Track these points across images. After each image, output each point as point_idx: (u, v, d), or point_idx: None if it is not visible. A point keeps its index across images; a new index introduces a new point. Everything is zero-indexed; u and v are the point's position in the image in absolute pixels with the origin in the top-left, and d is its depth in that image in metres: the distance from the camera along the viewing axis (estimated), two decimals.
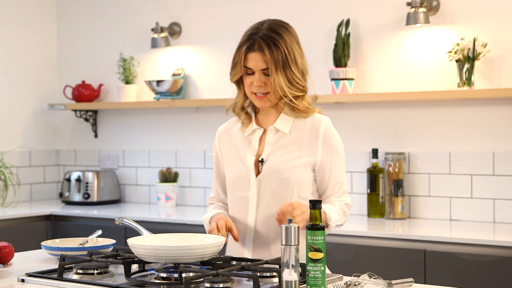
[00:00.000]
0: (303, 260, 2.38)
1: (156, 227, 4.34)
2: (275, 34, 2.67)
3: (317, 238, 2.22)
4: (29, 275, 2.53)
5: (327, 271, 2.59)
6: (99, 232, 3.08)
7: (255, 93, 2.71)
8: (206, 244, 2.44)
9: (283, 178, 2.69)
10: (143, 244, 2.47)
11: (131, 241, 2.48)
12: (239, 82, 2.79)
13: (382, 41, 4.54)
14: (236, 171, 2.78)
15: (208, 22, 5.22)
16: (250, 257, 2.74)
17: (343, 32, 4.55)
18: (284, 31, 2.70)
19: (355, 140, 4.64)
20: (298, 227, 2.21)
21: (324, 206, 2.66)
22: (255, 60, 2.67)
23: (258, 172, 2.74)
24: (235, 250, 2.80)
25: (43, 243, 2.96)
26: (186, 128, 5.35)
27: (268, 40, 2.65)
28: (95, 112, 5.77)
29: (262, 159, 2.74)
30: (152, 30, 5.32)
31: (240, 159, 2.78)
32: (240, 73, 2.72)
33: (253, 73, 2.70)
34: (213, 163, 2.95)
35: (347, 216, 2.76)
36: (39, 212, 5.12)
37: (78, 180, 5.46)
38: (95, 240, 3.04)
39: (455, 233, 3.94)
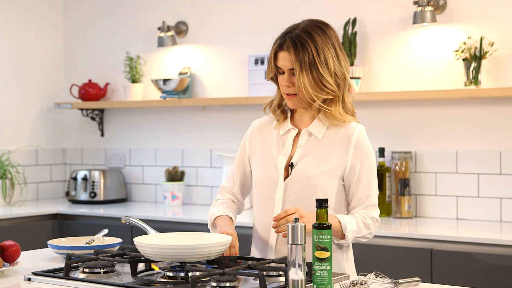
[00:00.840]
0: (309, 259, 2.38)
1: (162, 226, 4.34)
2: (305, 35, 2.61)
3: (323, 237, 2.21)
4: (36, 274, 2.54)
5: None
6: (106, 231, 3.08)
7: (286, 93, 2.67)
8: (213, 243, 2.44)
9: (310, 184, 2.64)
10: (150, 243, 2.47)
11: (138, 240, 2.48)
12: (274, 80, 2.75)
13: (388, 40, 4.53)
14: (265, 171, 2.73)
15: (214, 21, 5.22)
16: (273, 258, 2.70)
17: (349, 31, 4.54)
18: (318, 31, 2.62)
19: None
20: (305, 226, 2.21)
21: (341, 216, 2.60)
22: (283, 60, 2.63)
23: (287, 175, 2.70)
24: (259, 251, 2.77)
25: (49, 242, 2.96)
26: (193, 127, 5.35)
27: (296, 39, 2.61)
28: (101, 111, 5.77)
29: (292, 163, 2.69)
30: (159, 29, 5.32)
31: (272, 160, 2.74)
32: (272, 72, 2.69)
33: (283, 72, 2.66)
34: (237, 154, 2.88)
35: (372, 230, 2.69)
36: (46, 211, 5.12)
37: (85, 179, 5.46)
38: (101, 239, 3.04)
39: (462, 232, 3.93)
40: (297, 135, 2.74)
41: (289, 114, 2.77)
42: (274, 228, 2.51)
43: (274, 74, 2.70)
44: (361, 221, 2.65)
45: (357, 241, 2.68)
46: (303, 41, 2.60)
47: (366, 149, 2.67)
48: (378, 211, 2.73)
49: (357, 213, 2.67)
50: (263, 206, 2.74)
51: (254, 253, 2.80)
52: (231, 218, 2.78)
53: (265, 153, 2.76)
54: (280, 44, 2.64)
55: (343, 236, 2.61)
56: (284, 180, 2.68)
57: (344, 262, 2.73)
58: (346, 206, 2.73)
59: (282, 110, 2.77)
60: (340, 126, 2.69)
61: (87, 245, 2.95)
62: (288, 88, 2.65)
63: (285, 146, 2.73)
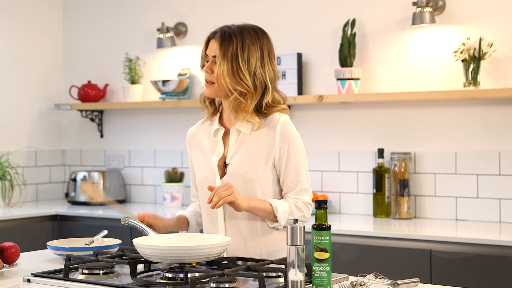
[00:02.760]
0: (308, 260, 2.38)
1: None
2: (236, 30, 2.76)
3: (322, 238, 2.22)
4: (35, 275, 2.54)
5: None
6: (105, 232, 3.08)
7: (205, 80, 2.79)
8: (212, 244, 2.45)
9: (246, 180, 2.74)
10: (149, 244, 2.48)
11: (137, 241, 2.48)
12: None
13: (388, 41, 4.53)
14: (203, 172, 2.84)
15: (214, 22, 5.17)
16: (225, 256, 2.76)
17: (349, 32, 4.54)
18: (250, 32, 2.77)
19: (360, 140, 4.64)
20: (304, 227, 2.22)
21: (272, 200, 2.70)
22: (211, 47, 2.79)
23: (223, 174, 2.79)
24: None
25: (48, 243, 2.97)
26: None
27: (227, 31, 2.76)
28: (101, 112, 5.78)
29: (225, 162, 2.79)
30: (158, 30, 5.33)
31: (207, 160, 2.84)
32: (203, 60, 2.83)
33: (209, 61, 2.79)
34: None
35: (304, 213, 2.75)
36: (45, 212, 5.13)
37: (84, 180, 5.46)
38: (100, 240, 3.05)
39: (461, 233, 3.93)
40: (227, 134, 2.84)
41: (217, 116, 2.88)
42: (209, 203, 2.61)
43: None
44: (293, 204, 2.73)
45: (290, 223, 2.70)
46: (232, 34, 2.74)
47: (291, 136, 2.76)
48: (311, 196, 2.79)
49: (289, 198, 2.75)
50: (206, 206, 2.80)
51: None
52: (184, 216, 2.94)
53: (202, 157, 2.88)
54: (214, 32, 2.80)
55: (275, 218, 2.70)
56: (221, 178, 2.78)
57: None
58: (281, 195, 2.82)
59: (211, 101, 2.89)
60: (265, 119, 2.78)
61: (86, 246, 2.95)
62: (207, 75, 2.77)
63: (217, 146, 2.83)
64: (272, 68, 2.79)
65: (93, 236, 3.07)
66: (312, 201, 2.76)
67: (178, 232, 2.93)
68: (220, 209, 2.79)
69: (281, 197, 2.80)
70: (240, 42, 2.73)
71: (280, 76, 2.92)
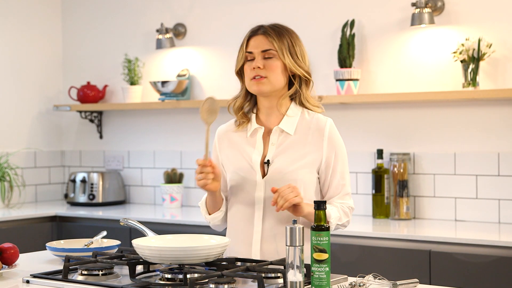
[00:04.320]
0: (307, 260, 2.38)
1: (161, 228, 4.35)
2: (280, 26, 2.78)
3: (321, 239, 2.22)
4: (34, 276, 2.54)
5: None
6: (104, 233, 3.08)
7: (254, 78, 2.73)
8: (211, 245, 2.45)
9: (290, 180, 2.68)
10: (148, 245, 2.47)
11: (136, 242, 2.48)
12: (242, 76, 2.83)
13: (387, 42, 4.54)
14: (241, 172, 2.77)
15: (213, 23, 5.22)
16: (257, 254, 2.73)
17: (348, 33, 4.55)
18: (288, 29, 2.80)
19: (360, 141, 4.64)
20: (303, 228, 2.22)
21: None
22: (257, 42, 2.75)
23: (264, 174, 2.74)
24: (242, 251, 2.78)
25: (48, 244, 2.97)
26: (191, 129, 5.35)
27: (274, 27, 2.77)
28: (100, 113, 5.78)
29: (268, 160, 2.74)
30: (157, 31, 5.33)
31: (245, 160, 2.78)
32: (242, 60, 2.78)
33: (253, 59, 2.75)
34: None
35: (350, 218, 2.79)
36: (44, 213, 5.13)
37: (83, 181, 5.46)
38: (100, 241, 3.05)
39: (460, 233, 3.93)
40: (266, 133, 2.80)
41: (253, 116, 2.83)
42: (273, 205, 2.58)
43: (240, 69, 2.81)
44: (341, 210, 2.74)
45: (337, 228, 2.76)
46: (281, 29, 2.77)
47: (338, 141, 2.78)
48: (352, 200, 2.83)
49: (335, 202, 2.75)
50: (242, 206, 2.77)
51: (236, 254, 2.79)
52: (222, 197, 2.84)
53: (236, 155, 2.81)
54: (255, 31, 2.77)
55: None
56: (263, 178, 2.73)
57: None
58: (320, 198, 2.80)
59: (243, 113, 2.84)
60: (310, 120, 2.78)
61: (85, 247, 2.95)
62: (259, 70, 2.72)
63: (256, 145, 2.78)
64: (307, 63, 2.82)
65: (92, 237, 3.07)
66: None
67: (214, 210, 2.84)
68: (260, 210, 2.73)
69: (321, 198, 2.79)
70: (289, 37, 2.76)
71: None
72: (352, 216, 2.81)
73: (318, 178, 2.77)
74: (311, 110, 2.82)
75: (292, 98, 2.82)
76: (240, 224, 2.78)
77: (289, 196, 2.55)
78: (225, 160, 2.85)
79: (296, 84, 2.78)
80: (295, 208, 2.60)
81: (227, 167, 2.84)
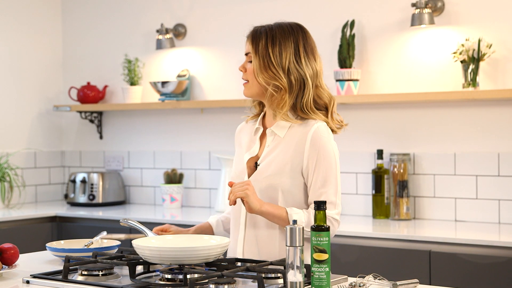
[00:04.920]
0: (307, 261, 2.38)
1: None
2: (267, 26, 2.75)
3: (321, 239, 2.22)
4: (34, 276, 2.54)
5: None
6: (104, 233, 3.08)
7: (242, 79, 2.81)
8: (211, 245, 2.45)
9: (270, 183, 2.68)
10: (148, 245, 2.48)
11: (136, 242, 2.48)
12: None
13: (387, 42, 4.54)
14: (236, 170, 2.84)
15: (213, 23, 5.22)
16: (241, 254, 2.75)
17: (348, 33, 4.55)
18: (283, 27, 2.74)
19: (360, 141, 4.64)
20: (303, 228, 2.22)
21: (290, 208, 2.63)
22: (246, 46, 2.79)
23: (252, 174, 2.76)
24: (230, 251, 2.83)
25: (48, 244, 2.97)
26: (191, 129, 5.35)
27: (257, 29, 2.76)
28: (100, 113, 5.78)
29: (256, 162, 2.77)
30: (157, 31, 5.33)
31: (241, 158, 2.83)
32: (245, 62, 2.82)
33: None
34: None
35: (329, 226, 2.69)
36: (44, 213, 5.13)
37: (83, 181, 5.46)
38: (100, 241, 3.04)
39: (460, 234, 3.93)
40: (265, 134, 2.81)
41: (261, 116, 2.85)
42: (228, 199, 2.60)
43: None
44: (312, 216, 2.61)
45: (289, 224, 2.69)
46: (263, 31, 2.73)
47: (322, 145, 2.66)
48: (337, 210, 2.67)
49: (311, 209, 2.66)
50: (232, 209, 2.81)
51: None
52: (209, 223, 2.95)
53: (239, 154, 2.86)
54: (247, 35, 2.79)
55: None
56: (249, 177, 2.75)
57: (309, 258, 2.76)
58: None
59: (259, 102, 2.86)
60: (301, 124, 2.71)
61: (85, 247, 2.95)
62: (243, 74, 2.78)
63: (254, 145, 2.81)
64: (311, 64, 2.73)
65: (92, 238, 3.07)
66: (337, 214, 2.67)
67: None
68: (243, 215, 2.74)
69: (308, 207, 2.72)
70: (270, 37, 2.70)
71: (323, 73, 2.83)
72: (333, 227, 2.65)
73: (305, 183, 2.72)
74: (312, 119, 2.72)
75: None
76: (232, 223, 2.83)
77: (235, 191, 2.57)
78: (234, 158, 2.92)
79: (270, 91, 2.71)
80: (244, 204, 2.59)
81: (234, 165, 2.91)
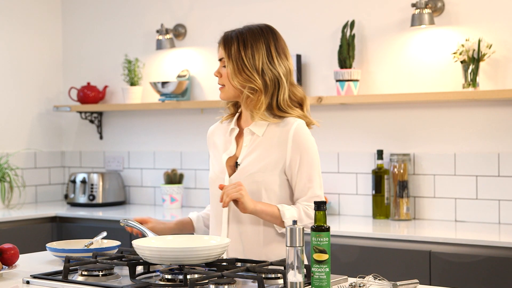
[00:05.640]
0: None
1: None
2: (238, 31, 2.81)
3: (322, 239, 2.22)
4: (34, 276, 2.54)
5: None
6: (104, 233, 3.08)
7: (218, 84, 2.86)
8: (211, 246, 2.45)
9: (253, 181, 2.74)
10: (148, 245, 2.48)
11: (136, 243, 2.48)
12: None
13: (387, 42, 4.54)
14: (214, 170, 2.88)
15: (213, 23, 5.22)
16: (225, 257, 2.77)
17: (348, 33, 4.55)
18: (253, 30, 2.80)
19: (360, 141, 4.64)
20: (303, 228, 2.22)
21: (281, 205, 2.70)
22: (219, 51, 2.84)
23: (232, 173, 2.81)
24: None
25: (48, 244, 2.97)
26: (191, 130, 5.35)
27: (228, 34, 2.81)
28: (100, 113, 5.78)
29: (236, 162, 2.81)
30: (157, 31, 5.33)
31: (219, 159, 2.87)
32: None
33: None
34: None
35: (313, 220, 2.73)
36: (44, 213, 5.12)
37: (83, 181, 5.46)
38: (100, 241, 3.05)
39: (460, 234, 3.93)
40: (241, 135, 2.86)
41: (235, 117, 2.91)
42: (220, 202, 2.65)
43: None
44: (302, 211, 2.71)
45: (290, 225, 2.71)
46: (233, 35, 2.79)
47: (304, 143, 2.75)
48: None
49: (300, 204, 2.74)
50: (214, 205, 2.85)
51: None
52: (190, 218, 3.00)
53: (216, 155, 2.91)
54: (219, 40, 2.85)
55: (283, 224, 2.70)
56: (230, 178, 2.80)
57: None
58: (292, 200, 2.81)
59: (234, 103, 2.93)
60: (279, 122, 2.78)
61: (85, 247, 2.95)
62: (219, 79, 2.83)
63: (230, 145, 2.86)
64: (284, 63, 2.79)
65: (92, 238, 3.07)
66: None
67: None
68: (225, 211, 2.79)
69: (292, 203, 2.79)
70: (241, 41, 2.76)
71: (294, 71, 2.89)
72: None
73: (287, 179, 2.78)
74: (288, 116, 2.79)
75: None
76: (213, 222, 2.87)
77: (229, 192, 2.61)
78: (210, 159, 2.96)
79: (245, 93, 2.77)
80: (238, 204, 2.64)
81: (210, 166, 2.95)
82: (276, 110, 2.78)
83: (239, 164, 2.80)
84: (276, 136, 2.76)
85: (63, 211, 5.23)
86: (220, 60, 2.83)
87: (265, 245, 2.75)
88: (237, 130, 2.87)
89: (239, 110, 2.91)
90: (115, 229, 4.36)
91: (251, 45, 2.76)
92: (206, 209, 3.04)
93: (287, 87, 2.78)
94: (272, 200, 2.73)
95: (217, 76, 2.83)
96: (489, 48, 4.14)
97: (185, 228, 2.97)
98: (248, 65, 2.74)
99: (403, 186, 4.40)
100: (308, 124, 2.81)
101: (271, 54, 2.77)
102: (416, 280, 2.42)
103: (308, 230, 2.71)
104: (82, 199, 5.45)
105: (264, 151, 2.76)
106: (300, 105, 2.83)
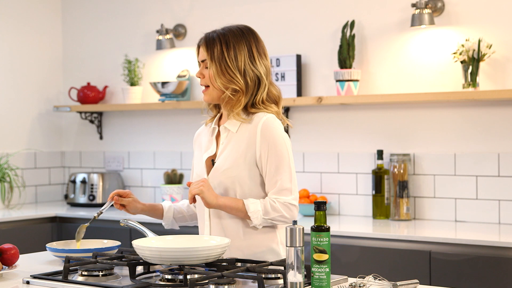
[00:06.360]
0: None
1: (161, 229, 4.33)
2: (219, 32, 2.84)
3: (322, 239, 2.22)
4: (34, 277, 2.54)
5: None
6: (112, 202, 3.02)
7: (201, 85, 2.88)
8: (211, 246, 2.45)
9: (228, 177, 2.78)
10: (148, 245, 2.48)
11: (136, 243, 2.49)
12: None
13: (387, 43, 4.54)
14: (196, 170, 2.93)
15: (213, 23, 5.20)
16: None
17: (348, 34, 4.55)
18: (234, 31, 2.84)
19: (360, 142, 4.64)
20: (303, 228, 2.22)
21: (247, 199, 2.74)
22: (200, 53, 2.87)
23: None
24: None
25: (48, 245, 2.97)
26: (191, 130, 5.32)
27: (209, 36, 2.84)
28: (100, 114, 5.78)
29: (213, 160, 2.86)
30: (157, 31, 5.33)
31: (200, 158, 2.92)
32: (199, 67, 2.90)
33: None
34: None
35: (283, 213, 2.73)
36: (44, 214, 5.12)
37: (83, 182, 5.46)
38: (100, 242, 3.05)
39: (460, 234, 3.93)
40: (219, 134, 2.91)
41: (218, 115, 2.95)
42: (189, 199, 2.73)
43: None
44: (268, 204, 2.73)
45: (270, 223, 2.76)
46: (215, 37, 2.82)
47: (272, 135, 2.77)
48: (294, 196, 2.76)
49: (268, 197, 2.76)
50: (199, 203, 2.90)
51: None
52: (161, 206, 3.04)
53: (198, 156, 2.97)
54: (199, 42, 2.87)
55: (248, 217, 2.74)
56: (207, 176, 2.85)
57: (273, 244, 2.82)
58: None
59: (216, 104, 2.96)
60: (251, 118, 2.82)
61: (96, 216, 2.95)
62: (201, 80, 2.86)
63: (211, 145, 2.91)
64: (264, 63, 2.84)
65: (92, 238, 3.07)
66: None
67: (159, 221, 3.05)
68: (207, 209, 2.84)
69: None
70: (224, 42, 2.80)
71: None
72: (289, 213, 2.74)
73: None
74: (263, 111, 2.83)
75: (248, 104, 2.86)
76: (199, 219, 2.92)
77: (191, 189, 2.69)
78: (193, 160, 3.02)
79: (226, 94, 2.80)
80: (202, 200, 2.72)
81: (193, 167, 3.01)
82: (250, 108, 2.83)
83: (215, 162, 2.85)
84: (247, 131, 2.79)
85: (63, 211, 5.23)
86: (202, 61, 2.85)
87: (245, 238, 2.79)
88: (217, 129, 2.92)
89: (220, 111, 2.95)
90: (115, 229, 4.37)
91: (233, 46, 2.80)
92: (180, 203, 3.09)
93: (267, 86, 2.83)
94: (246, 195, 2.77)
95: (199, 77, 2.86)
96: (489, 48, 4.14)
97: (155, 213, 3.02)
98: (231, 66, 2.78)
99: (403, 186, 4.40)
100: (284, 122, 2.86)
101: (253, 54, 2.82)
102: (416, 280, 2.42)
103: (276, 223, 2.75)
104: (82, 199, 5.45)
105: (237, 147, 2.79)
106: (276, 103, 2.87)
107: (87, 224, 3.00)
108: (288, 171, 2.76)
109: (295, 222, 2.24)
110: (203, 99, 2.89)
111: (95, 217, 2.95)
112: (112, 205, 2.95)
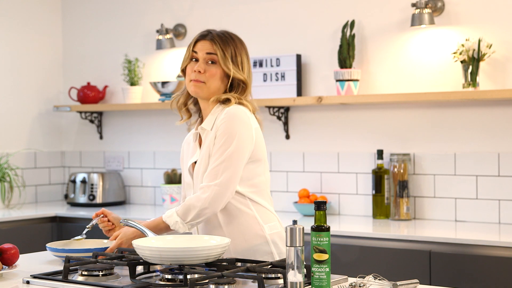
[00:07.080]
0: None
1: None
2: (228, 34, 2.85)
3: (322, 239, 2.22)
4: (34, 276, 2.54)
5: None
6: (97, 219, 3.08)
7: (193, 80, 2.82)
8: (211, 246, 2.45)
9: (203, 175, 2.80)
10: (148, 245, 2.48)
11: (136, 243, 2.49)
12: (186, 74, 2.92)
13: (387, 42, 4.54)
14: (184, 177, 2.94)
15: (213, 23, 5.22)
16: None
17: (348, 33, 4.55)
18: (234, 38, 2.86)
19: (360, 141, 4.64)
20: (303, 228, 2.22)
21: (164, 215, 2.78)
22: (203, 45, 2.83)
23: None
24: None
25: (48, 244, 2.97)
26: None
27: (222, 34, 2.84)
28: (100, 113, 5.78)
29: (195, 161, 2.87)
30: (157, 31, 5.33)
31: (185, 165, 2.94)
32: (188, 60, 2.86)
33: (197, 60, 2.83)
34: None
35: (199, 205, 2.72)
36: (44, 213, 5.13)
37: (83, 181, 5.46)
38: (100, 242, 3.05)
39: (460, 234, 3.93)
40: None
41: (198, 120, 2.94)
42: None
43: (185, 68, 2.88)
44: (182, 209, 2.73)
45: (201, 222, 2.77)
46: (228, 37, 2.83)
47: (223, 125, 2.75)
48: (218, 180, 2.71)
49: (187, 198, 2.78)
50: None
51: None
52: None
53: (184, 161, 2.97)
54: (203, 35, 2.85)
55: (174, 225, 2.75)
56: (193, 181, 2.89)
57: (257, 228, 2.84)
58: (248, 186, 2.84)
59: (186, 109, 2.95)
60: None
61: (85, 233, 2.98)
62: (199, 75, 2.80)
63: (196, 150, 2.90)
64: (250, 69, 2.89)
65: (92, 238, 3.08)
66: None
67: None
68: None
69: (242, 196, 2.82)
70: (234, 46, 2.82)
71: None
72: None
73: None
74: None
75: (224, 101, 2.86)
76: None
77: (111, 248, 2.80)
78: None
79: (229, 89, 2.85)
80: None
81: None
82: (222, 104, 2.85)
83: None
84: (216, 126, 2.80)
85: (63, 211, 5.23)
86: (208, 54, 2.81)
87: (227, 231, 2.80)
88: (197, 133, 2.92)
89: (200, 115, 2.93)
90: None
91: (239, 53, 2.83)
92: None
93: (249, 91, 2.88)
94: None
95: (199, 71, 2.81)
96: (489, 48, 4.14)
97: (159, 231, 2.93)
98: (238, 73, 2.81)
99: (403, 186, 4.40)
100: (254, 112, 2.85)
101: (249, 62, 2.88)
102: (416, 280, 2.42)
103: (204, 217, 2.73)
104: (82, 199, 5.45)
105: (210, 144, 2.80)
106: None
107: (79, 238, 3.04)
108: (226, 157, 2.72)
109: (295, 222, 2.24)
110: (193, 91, 2.83)
111: (87, 230, 3.00)
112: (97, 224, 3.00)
